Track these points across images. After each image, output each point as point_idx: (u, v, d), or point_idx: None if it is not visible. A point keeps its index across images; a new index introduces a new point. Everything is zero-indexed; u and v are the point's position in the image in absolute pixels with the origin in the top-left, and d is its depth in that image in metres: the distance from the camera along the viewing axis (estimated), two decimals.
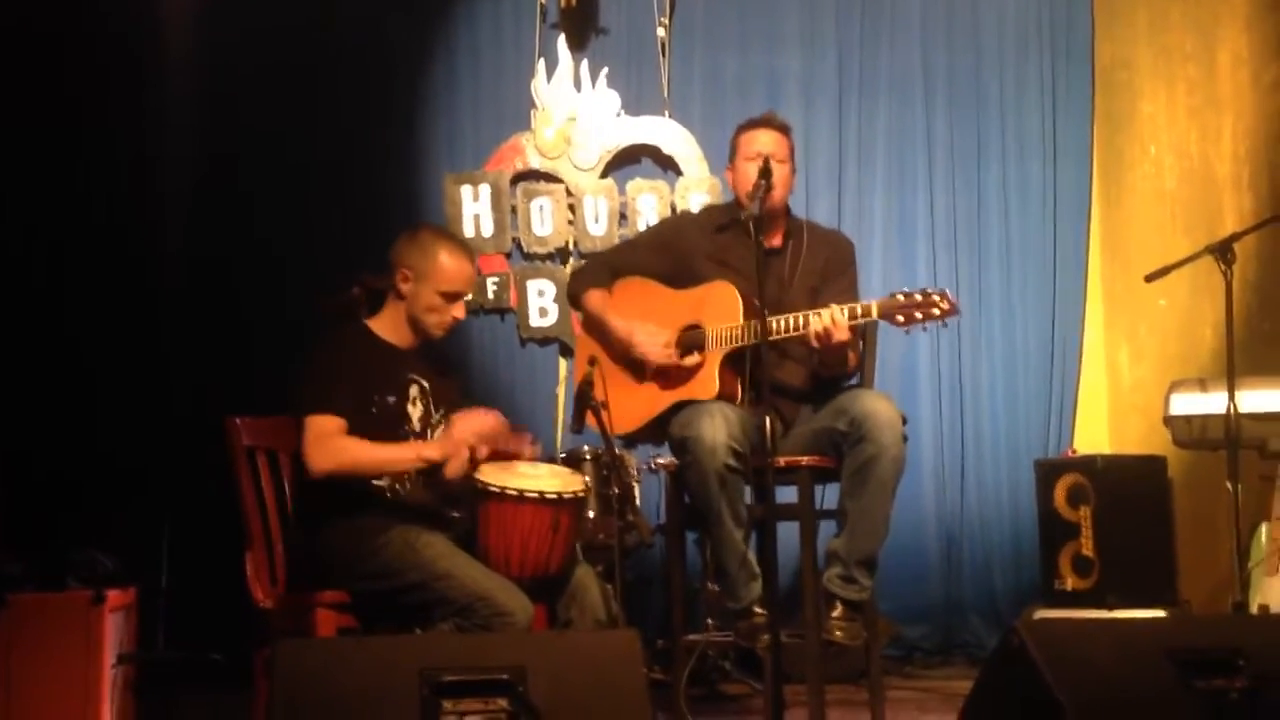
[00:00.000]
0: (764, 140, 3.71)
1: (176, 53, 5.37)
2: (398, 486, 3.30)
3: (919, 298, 3.41)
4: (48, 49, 5.13)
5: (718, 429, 3.39)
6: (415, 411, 3.35)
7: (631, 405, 3.67)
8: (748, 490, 3.49)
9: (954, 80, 5.83)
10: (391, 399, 3.29)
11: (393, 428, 3.29)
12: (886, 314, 3.44)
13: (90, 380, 5.05)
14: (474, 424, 3.25)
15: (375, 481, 3.26)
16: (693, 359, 3.65)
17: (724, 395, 3.56)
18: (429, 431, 3.37)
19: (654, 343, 3.66)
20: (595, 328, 3.80)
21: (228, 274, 5.31)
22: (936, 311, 3.40)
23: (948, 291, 3.43)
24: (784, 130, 3.76)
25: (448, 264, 3.33)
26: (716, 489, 3.40)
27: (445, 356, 3.56)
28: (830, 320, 3.42)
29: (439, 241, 3.37)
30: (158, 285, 5.26)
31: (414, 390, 3.36)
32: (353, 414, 3.21)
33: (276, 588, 3.33)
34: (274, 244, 5.30)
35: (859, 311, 3.45)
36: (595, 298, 3.80)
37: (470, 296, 3.43)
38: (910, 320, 3.41)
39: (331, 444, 3.16)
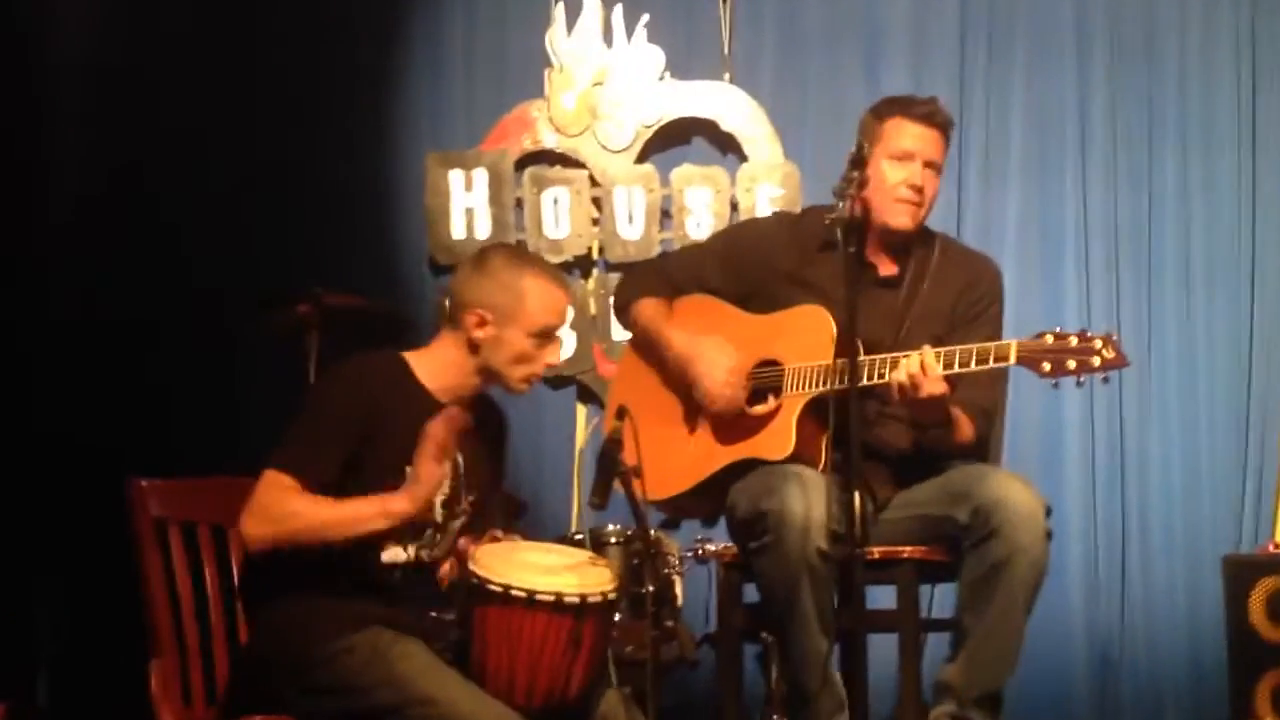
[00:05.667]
0: (919, 138, 3.69)
1: (75, 27, 5.48)
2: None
3: (1074, 341, 3.42)
4: None
5: (807, 503, 3.41)
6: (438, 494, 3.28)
7: (677, 460, 3.71)
8: None
9: (1117, 39, 5.83)
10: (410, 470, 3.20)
11: None
12: (1028, 358, 3.44)
13: None
14: (433, 465, 3.14)
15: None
16: (764, 406, 3.67)
17: (800, 456, 3.57)
18: (450, 524, 3.33)
19: (717, 379, 3.65)
20: (647, 346, 3.85)
21: (144, 300, 5.37)
22: (1096, 361, 3.40)
23: (1114, 336, 3.44)
24: (946, 130, 3.75)
25: (538, 292, 3.29)
26: (806, 583, 3.42)
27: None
28: (918, 366, 3.42)
29: (520, 267, 3.33)
30: (59, 317, 5.36)
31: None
32: (352, 479, 3.18)
33: (192, 709, 3.36)
34: (201, 257, 5.41)
35: (992, 354, 3.46)
36: (649, 307, 3.84)
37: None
38: (1060, 370, 3.41)
39: (277, 506, 3.14)
